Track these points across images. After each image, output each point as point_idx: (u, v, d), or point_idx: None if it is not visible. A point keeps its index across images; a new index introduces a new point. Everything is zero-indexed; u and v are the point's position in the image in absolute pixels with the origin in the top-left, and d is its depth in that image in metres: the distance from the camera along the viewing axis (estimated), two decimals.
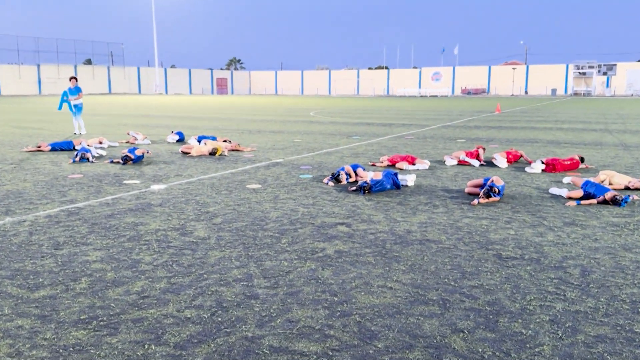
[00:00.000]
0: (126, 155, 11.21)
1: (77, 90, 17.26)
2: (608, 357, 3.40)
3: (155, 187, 8.80)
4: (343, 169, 9.29)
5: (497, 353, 3.45)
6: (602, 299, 4.29)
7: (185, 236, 5.99)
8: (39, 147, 13.28)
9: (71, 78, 17.50)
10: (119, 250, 5.49)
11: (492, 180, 8.04)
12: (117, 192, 8.36)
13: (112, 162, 11.44)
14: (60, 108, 17.50)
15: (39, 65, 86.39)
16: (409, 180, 8.95)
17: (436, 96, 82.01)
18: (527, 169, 10.45)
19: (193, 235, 6.04)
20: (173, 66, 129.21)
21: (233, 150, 13.51)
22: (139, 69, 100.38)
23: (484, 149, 11.83)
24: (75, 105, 17.30)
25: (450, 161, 11.34)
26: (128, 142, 15.30)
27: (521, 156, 11.52)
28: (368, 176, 8.98)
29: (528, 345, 3.54)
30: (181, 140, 15.65)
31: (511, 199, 8.00)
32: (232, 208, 7.33)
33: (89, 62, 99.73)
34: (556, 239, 5.92)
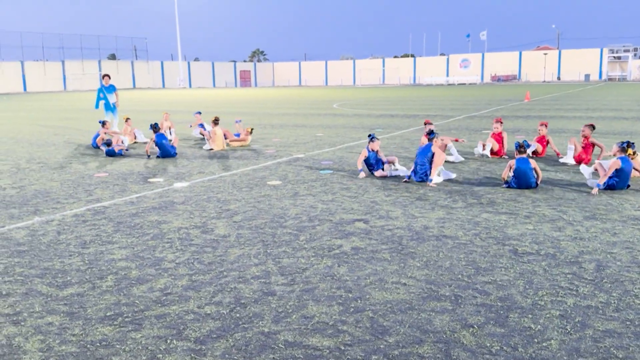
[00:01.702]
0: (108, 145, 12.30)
1: (112, 89, 16.54)
2: (614, 351, 3.53)
3: (178, 185, 9.10)
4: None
5: (504, 347, 3.61)
6: (614, 294, 4.40)
7: (206, 234, 6.26)
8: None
9: (104, 75, 16.68)
10: (143, 249, 5.78)
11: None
12: (142, 191, 8.69)
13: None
14: (97, 107, 16.87)
15: (63, 62, 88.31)
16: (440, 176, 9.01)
17: (464, 84, 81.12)
18: (561, 160, 10.55)
19: (214, 233, 6.30)
20: (196, 59, 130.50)
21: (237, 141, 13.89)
22: (162, 63, 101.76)
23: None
24: (113, 104, 16.67)
25: (479, 150, 11.42)
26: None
27: (548, 142, 11.45)
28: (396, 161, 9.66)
29: (536, 340, 3.69)
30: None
31: (533, 192, 8.06)
32: (252, 205, 7.58)
33: (113, 57, 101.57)
34: (574, 234, 6.01)
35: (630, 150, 8.15)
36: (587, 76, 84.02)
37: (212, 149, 13.28)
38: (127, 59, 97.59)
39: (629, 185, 8.18)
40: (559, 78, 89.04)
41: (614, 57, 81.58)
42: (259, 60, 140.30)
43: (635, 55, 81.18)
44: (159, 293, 4.61)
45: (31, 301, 4.50)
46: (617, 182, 8.01)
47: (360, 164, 9.62)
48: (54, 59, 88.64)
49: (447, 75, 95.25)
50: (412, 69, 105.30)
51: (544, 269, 4.98)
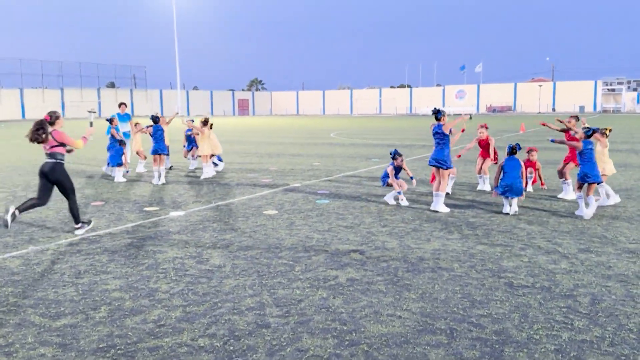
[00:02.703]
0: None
1: (127, 117, 15.98)
2: None
3: (174, 213, 9.10)
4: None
5: None
6: (609, 328, 4.39)
7: (201, 264, 6.24)
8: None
9: (120, 104, 16.19)
10: (137, 279, 5.76)
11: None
12: (137, 220, 8.69)
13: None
14: (108, 133, 16.42)
15: (62, 89, 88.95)
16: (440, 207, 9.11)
17: (460, 114, 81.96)
18: (560, 195, 10.42)
19: (209, 263, 6.29)
20: (195, 88, 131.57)
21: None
22: (161, 91, 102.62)
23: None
24: (124, 133, 16.40)
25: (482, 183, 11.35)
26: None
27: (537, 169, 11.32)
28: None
29: None
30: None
31: (528, 224, 8.09)
32: (248, 235, 7.57)
33: (112, 85, 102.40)
34: (569, 267, 6.02)
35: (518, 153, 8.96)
36: (581, 108, 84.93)
37: (198, 156, 13.90)
38: (126, 87, 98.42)
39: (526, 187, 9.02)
40: (553, 109, 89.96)
41: (608, 89, 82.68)
42: (257, 89, 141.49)
43: (629, 87, 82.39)
44: (153, 325, 4.58)
45: (24, 332, 4.47)
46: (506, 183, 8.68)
47: (394, 181, 9.70)
48: (53, 86, 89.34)
49: (443, 105, 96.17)
50: (408, 99, 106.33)
51: (539, 303, 4.97)
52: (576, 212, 8.77)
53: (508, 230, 7.72)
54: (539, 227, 7.89)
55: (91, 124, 8.35)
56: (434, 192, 9.22)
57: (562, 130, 10.92)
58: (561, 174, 10.44)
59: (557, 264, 6.13)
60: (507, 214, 8.73)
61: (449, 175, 9.45)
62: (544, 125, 11.00)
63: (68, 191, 7.60)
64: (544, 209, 9.23)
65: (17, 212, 7.28)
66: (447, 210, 9.08)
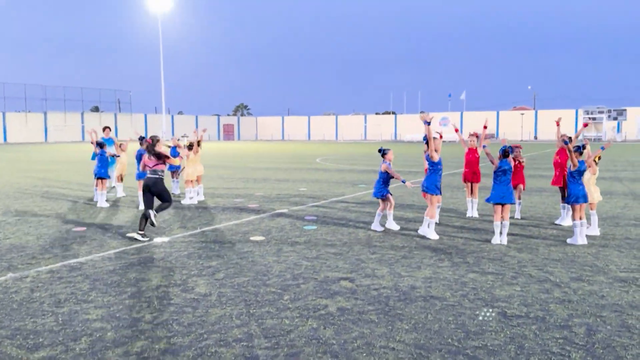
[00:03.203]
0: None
1: (111, 142, 15.73)
2: None
3: (158, 240, 8.91)
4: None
5: None
6: None
7: (186, 293, 6.05)
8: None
9: (105, 128, 16.13)
10: (119, 308, 5.55)
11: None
12: (120, 246, 8.47)
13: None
14: (93, 158, 16.17)
15: (45, 113, 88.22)
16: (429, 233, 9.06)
17: (444, 141, 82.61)
18: (557, 222, 10.38)
19: (194, 291, 6.10)
20: (180, 112, 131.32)
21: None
22: (145, 115, 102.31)
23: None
24: (110, 157, 16.16)
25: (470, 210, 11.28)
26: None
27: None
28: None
29: None
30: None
31: (518, 252, 8.03)
32: (234, 262, 7.40)
33: (96, 109, 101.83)
34: (562, 296, 5.94)
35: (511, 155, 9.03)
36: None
37: (182, 170, 13.96)
38: (111, 111, 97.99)
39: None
40: (535, 137, 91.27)
41: (589, 117, 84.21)
42: (242, 114, 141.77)
43: (609, 116, 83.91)
44: (135, 357, 4.38)
45: None
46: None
47: (394, 172, 9.63)
48: (36, 110, 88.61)
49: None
50: (393, 126, 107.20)
51: (534, 333, 4.87)
52: (568, 240, 8.73)
53: (498, 258, 7.64)
54: (530, 255, 7.83)
55: (185, 146, 10.08)
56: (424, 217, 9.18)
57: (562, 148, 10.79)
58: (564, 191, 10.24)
59: (550, 293, 6.05)
60: (497, 244, 8.66)
61: (436, 202, 9.44)
62: (557, 124, 10.99)
63: (167, 200, 9.24)
64: (533, 236, 9.19)
65: (154, 213, 9.03)
66: (436, 237, 9.00)
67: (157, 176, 9.17)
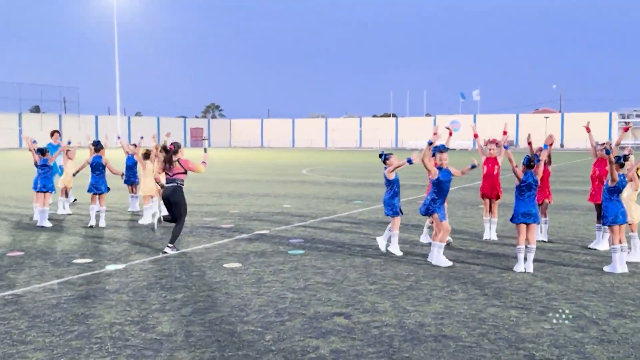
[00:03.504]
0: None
1: (56, 148, 15.95)
2: None
3: (111, 267, 8.81)
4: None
5: None
6: None
7: (146, 332, 5.95)
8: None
9: (53, 132, 16.21)
10: (64, 351, 5.44)
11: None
12: (65, 275, 8.35)
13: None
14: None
15: None
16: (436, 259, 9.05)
17: (454, 149, 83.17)
18: (592, 245, 10.42)
19: (156, 330, 6.01)
20: (138, 114, 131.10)
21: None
22: (96, 117, 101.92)
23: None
24: (60, 166, 15.89)
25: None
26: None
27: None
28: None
29: None
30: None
31: (546, 282, 8.02)
32: (205, 294, 7.32)
33: (36, 109, 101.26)
34: (600, 335, 5.92)
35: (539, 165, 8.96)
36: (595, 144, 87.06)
37: (137, 192, 14.15)
38: (54, 112, 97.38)
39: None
40: (562, 145, 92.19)
41: (625, 122, 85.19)
42: (213, 116, 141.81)
43: None
44: None
45: None
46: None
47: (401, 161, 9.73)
48: None
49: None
50: (394, 131, 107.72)
51: None
52: (605, 268, 8.74)
53: (523, 290, 7.63)
54: (560, 286, 7.83)
55: (205, 150, 10.94)
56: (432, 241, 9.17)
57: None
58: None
59: (586, 331, 6.02)
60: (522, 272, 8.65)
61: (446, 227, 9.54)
62: (588, 130, 10.99)
63: (182, 213, 10.04)
64: (563, 263, 9.20)
65: (170, 246, 9.98)
66: (448, 263, 8.98)
67: (175, 185, 9.98)
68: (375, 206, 16.35)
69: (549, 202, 11.17)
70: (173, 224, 10.17)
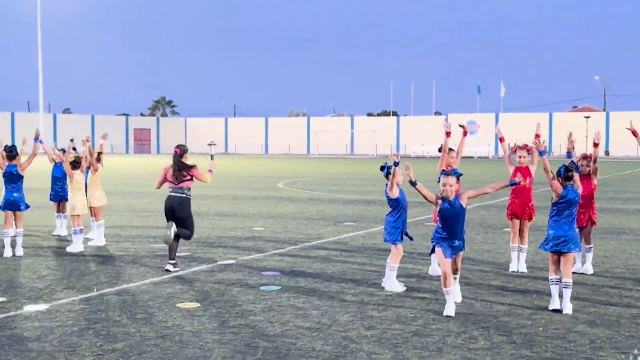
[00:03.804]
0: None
1: None
2: None
3: (31, 308, 8.74)
4: None
5: None
6: None
7: None
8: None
9: None
10: None
11: None
12: None
13: None
14: None
15: None
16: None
17: (471, 157, 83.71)
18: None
19: None
20: (67, 111, 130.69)
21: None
22: (13, 115, 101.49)
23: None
24: None
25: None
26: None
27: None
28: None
29: None
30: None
31: (589, 326, 8.04)
32: (152, 343, 7.29)
33: None
34: None
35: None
36: None
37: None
38: None
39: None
40: (607, 152, 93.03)
41: None
42: (164, 114, 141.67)
43: None
44: None
45: None
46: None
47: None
48: None
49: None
50: (394, 133, 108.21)
51: None
52: None
53: (561, 336, 7.65)
54: (607, 331, 7.86)
55: (212, 157, 12.66)
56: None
57: None
58: None
59: None
60: (558, 310, 8.68)
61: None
62: (634, 134, 10.98)
63: (191, 230, 11.26)
64: (611, 302, 9.25)
65: (172, 263, 11.05)
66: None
67: (183, 195, 11.08)
68: (372, 229, 16.37)
69: (594, 225, 11.23)
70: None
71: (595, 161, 11.11)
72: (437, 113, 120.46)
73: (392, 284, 9.85)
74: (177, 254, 12.67)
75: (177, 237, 11.00)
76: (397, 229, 9.90)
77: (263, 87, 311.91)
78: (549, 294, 9.14)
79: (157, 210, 20.47)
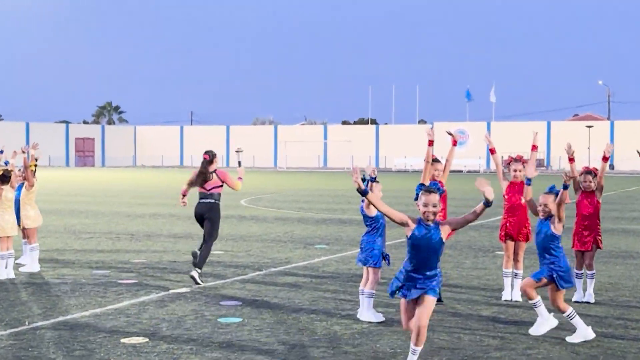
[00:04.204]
0: None
1: None
2: None
3: None
4: None
5: None
6: None
7: None
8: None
9: None
10: None
11: None
12: None
13: None
14: None
15: None
16: None
17: (460, 171, 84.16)
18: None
19: None
20: None
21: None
22: None
23: None
24: None
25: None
26: None
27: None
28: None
29: None
30: None
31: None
32: None
33: None
34: None
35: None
36: None
37: None
38: None
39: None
40: (612, 166, 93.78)
41: None
42: (110, 122, 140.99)
43: None
44: None
45: None
46: None
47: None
48: None
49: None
50: (373, 143, 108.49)
51: None
52: None
53: None
54: None
55: (239, 163, 13.39)
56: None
57: None
58: None
59: None
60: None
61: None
62: None
63: (214, 234, 12.68)
64: (616, 335, 9.29)
65: (199, 272, 12.17)
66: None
67: (213, 201, 12.62)
68: (347, 252, 16.36)
69: (599, 248, 11.29)
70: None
71: (602, 177, 11.17)
72: (422, 121, 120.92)
73: (369, 314, 9.83)
74: (123, 281, 12.63)
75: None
76: (376, 250, 9.90)
77: (224, 91, 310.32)
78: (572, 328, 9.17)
79: (100, 231, 20.33)
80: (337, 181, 57.72)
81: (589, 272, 11.14)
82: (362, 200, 9.93)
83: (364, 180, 9.93)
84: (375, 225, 10.02)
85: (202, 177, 12.63)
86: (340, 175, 70.65)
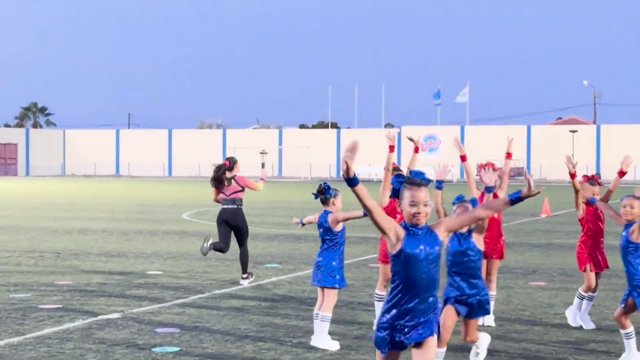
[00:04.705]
0: None
1: None
2: None
3: None
4: None
5: None
6: None
7: None
8: None
9: None
10: None
11: None
12: None
13: None
14: None
15: None
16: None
17: (431, 181, 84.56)
18: None
19: None
20: None
21: None
22: None
23: None
24: None
25: None
26: None
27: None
28: None
29: None
30: None
31: None
32: None
33: None
34: None
35: None
36: None
37: None
38: None
39: None
40: (598, 174, 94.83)
41: None
42: (36, 125, 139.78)
43: None
44: None
45: None
46: None
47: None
48: None
49: (399, 163, 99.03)
50: (334, 149, 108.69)
51: None
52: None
53: None
54: None
55: (263, 165, 16.73)
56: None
57: None
58: None
59: None
60: None
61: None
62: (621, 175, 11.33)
63: (245, 237, 14.75)
64: None
65: (244, 277, 14.61)
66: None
67: (235, 206, 14.57)
68: (301, 272, 16.38)
69: (605, 267, 11.44)
70: (211, 251, 14.85)
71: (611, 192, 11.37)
72: (389, 125, 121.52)
73: (324, 341, 9.82)
74: (45, 306, 12.50)
75: (221, 250, 14.89)
76: (335, 269, 9.91)
77: (166, 92, 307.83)
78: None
79: (21, 249, 20.15)
80: (292, 191, 57.91)
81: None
82: (325, 213, 9.92)
83: (322, 192, 9.96)
84: (336, 240, 10.08)
85: (213, 182, 14.75)
86: (296, 185, 70.87)
